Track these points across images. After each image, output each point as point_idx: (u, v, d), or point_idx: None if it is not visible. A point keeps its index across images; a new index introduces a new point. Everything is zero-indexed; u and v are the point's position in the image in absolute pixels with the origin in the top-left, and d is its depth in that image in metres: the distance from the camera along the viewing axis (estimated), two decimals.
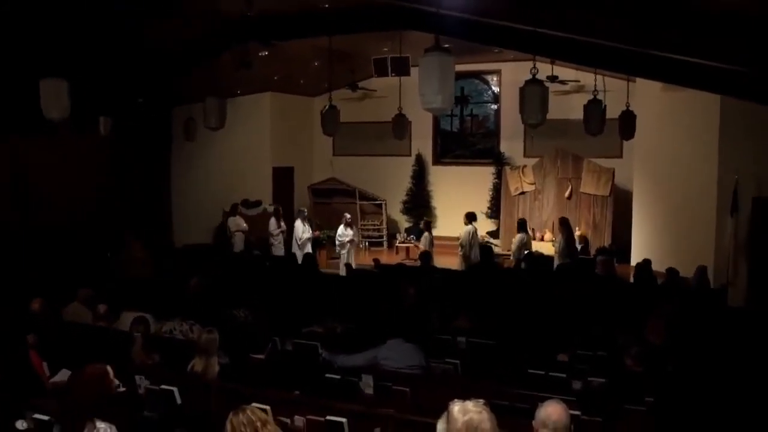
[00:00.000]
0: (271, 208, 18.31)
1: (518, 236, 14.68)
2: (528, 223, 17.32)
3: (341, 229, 15.90)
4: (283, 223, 16.57)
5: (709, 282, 11.65)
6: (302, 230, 16.10)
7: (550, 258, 14.13)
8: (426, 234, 15.68)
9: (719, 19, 6.28)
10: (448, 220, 19.05)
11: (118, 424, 4.60)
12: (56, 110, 7.88)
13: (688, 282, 11.51)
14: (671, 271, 11.37)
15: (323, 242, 17.50)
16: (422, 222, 17.12)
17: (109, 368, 4.75)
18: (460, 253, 14.84)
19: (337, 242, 16.07)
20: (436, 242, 16.52)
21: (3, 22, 9.56)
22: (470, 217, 14.91)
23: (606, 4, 7.08)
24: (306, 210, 16.86)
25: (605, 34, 8.47)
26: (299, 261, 14.00)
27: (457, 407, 3.09)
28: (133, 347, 7.20)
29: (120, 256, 13.37)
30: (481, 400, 3.15)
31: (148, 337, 7.42)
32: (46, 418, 5.24)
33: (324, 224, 18.03)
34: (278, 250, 16.37)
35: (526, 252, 14.12)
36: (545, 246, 16.51)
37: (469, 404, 3.10)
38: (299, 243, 16.00)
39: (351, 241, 15.98)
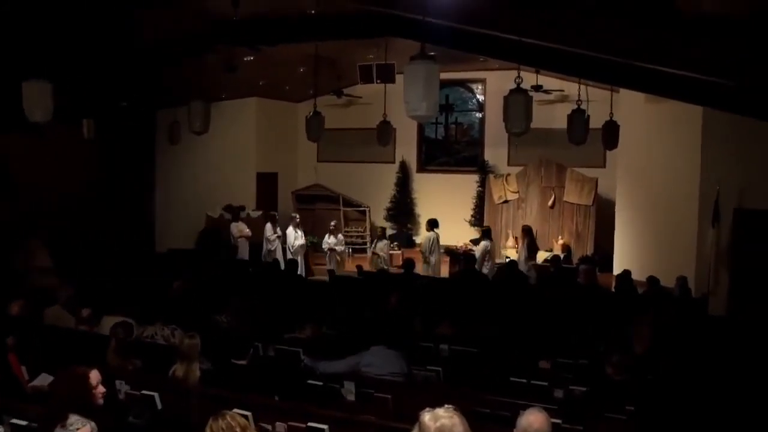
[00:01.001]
0: (255, 214, 18.28)
1: (482, 244, 14.78)
2: (511, 231, 17.49)
3: (326, 236, 16.06)
4: (279, 229, 16.50)
5: (690, 291, 11.73)
6: (294, 237, 16.02)
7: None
8: (385, 240, 16.28)
9: (706, 29, 6.34)
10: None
11: (99, 429, 4.57)
12: (39, 112, 7.83)
13: (669, 291, 11.59)
14: (652, 280, 11.43)
15: (307, 248, 17.47)
16: (379, 229, 17.23)
17: (95, 373, 4.72)
18: (422, 260, 15.07)
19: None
20: (418, 249, 16.56)
21: None
22: (432, 224, 15.30)
23: (591, 15, 7.13)
24: (298, 216, 16.75)
25: (590, 45, 8.53)
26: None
27: (427, 416, 3.10)
28: (107, 350, 7.17)
29: (21, 265, 13.04)
30: (451, 406, 3.16)
31: (125, 342, 7.36)
32: (24, 422, 5.19)
33: (307, 230, 18.00)
34: (275, 255, 16.29)
35: (507, 259, 14.22)
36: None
37: (440, 411, 3.11)
38: (291, 250, 15.90)
39: (332, 250, 15.95)
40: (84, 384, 4.62)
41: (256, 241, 16.73)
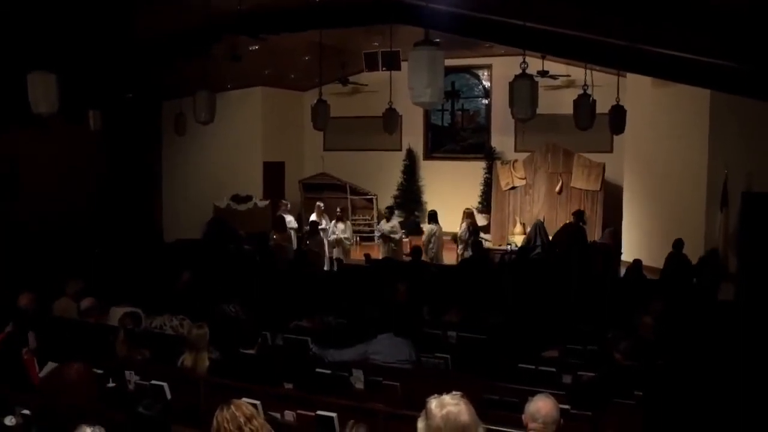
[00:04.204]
0: (262, 204, 18.28)
1: (428, 227, 14.87)
2: (518, 218, 17.49)
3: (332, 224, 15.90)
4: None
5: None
6: (341, 229, 15.56)
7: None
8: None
9: (711, 14, 6.29)
10: (439, 215, 19.05)
11: (109, 421, 4.57)
12: (45, 104, 7.80)
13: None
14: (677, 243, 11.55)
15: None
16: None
17: (83, 370, 4.69)
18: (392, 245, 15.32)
19: None
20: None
21: None
22: (390, 211, 16.00)
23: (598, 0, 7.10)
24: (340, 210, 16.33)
25: (596, 29, 8.49)
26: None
27: (434, 403, 3.08)
28: (116, 341, 7.20)
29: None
30: (458, 393, 3.14)
31: (133, 332, 7.39)
32: None
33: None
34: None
35: (509, 246, 14.33)
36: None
37: (446, 398, 3.09)
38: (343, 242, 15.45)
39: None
40: (90, 385, 4.59)
41: (250, 232, 16.51)
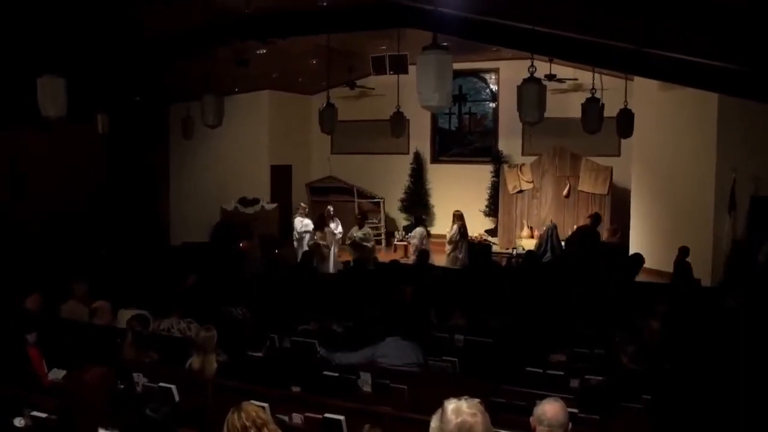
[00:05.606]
0: (269, 207, 18.30)
1: (418, 230, 15.24)
2: (526, 221, 17.48)
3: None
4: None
5: None
6: (319, 236, 15.38)
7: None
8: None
9: (718, 16, 6.29)
10: (446, 219, 19.05)
11: (118, 424, 4.59)
12: (53, 108, 7.83)
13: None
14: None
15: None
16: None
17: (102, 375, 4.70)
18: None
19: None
20: (433, 240, 16.61)
21: (1, 18, 9.55)
22: (363, 217, 16.28)
23: (605, 2, 7.09)
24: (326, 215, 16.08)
25: (604, 33, 8.49)
26: None
27: (451, 407, 3.03)
28: (123, 344, 7.22)
29: None
30: (476, 400, 3.09)
31: (141, 335, 7.41)
32: (43, 415, 5.23)
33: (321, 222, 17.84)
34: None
35: (514, 250, 14.34)
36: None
37: (464, 405, 3.04)
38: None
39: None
40: (106, 387, 4.59)
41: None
